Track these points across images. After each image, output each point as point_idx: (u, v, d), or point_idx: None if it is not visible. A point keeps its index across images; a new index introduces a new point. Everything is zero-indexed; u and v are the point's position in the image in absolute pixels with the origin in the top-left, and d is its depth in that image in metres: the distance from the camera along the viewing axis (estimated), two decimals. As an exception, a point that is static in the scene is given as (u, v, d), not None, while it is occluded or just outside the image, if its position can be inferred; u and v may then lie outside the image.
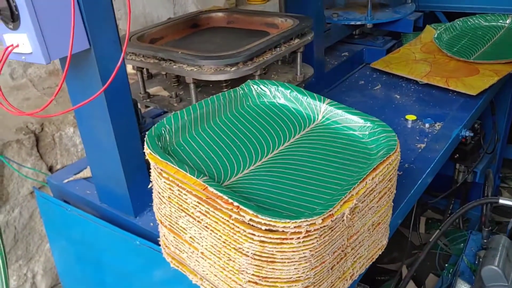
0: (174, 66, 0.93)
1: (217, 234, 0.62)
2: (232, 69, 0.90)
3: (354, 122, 0.78)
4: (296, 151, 0.75)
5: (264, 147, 0.75)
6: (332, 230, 0.61)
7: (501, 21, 1.53)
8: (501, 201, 1.25)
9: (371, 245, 0.73)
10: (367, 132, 0.76)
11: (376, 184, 0.66)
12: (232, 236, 0.61)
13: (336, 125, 0.80)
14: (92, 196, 1.00)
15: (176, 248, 0.71)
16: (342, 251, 0.65)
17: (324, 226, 0.58)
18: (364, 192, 0.64)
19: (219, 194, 0.60)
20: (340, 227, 0.62)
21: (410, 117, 1.21)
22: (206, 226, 0.63)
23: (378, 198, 0.68)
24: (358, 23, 1.45)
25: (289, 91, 0.85)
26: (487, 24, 1.55)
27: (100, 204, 0.98)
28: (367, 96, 1.35)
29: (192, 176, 0.63)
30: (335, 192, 0.64)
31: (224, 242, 0.62)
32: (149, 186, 0.73)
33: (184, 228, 0.68)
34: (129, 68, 1.04)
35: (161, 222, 0.72)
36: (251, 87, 0.86)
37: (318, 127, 0.81)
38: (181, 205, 0.66)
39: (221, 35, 1.14)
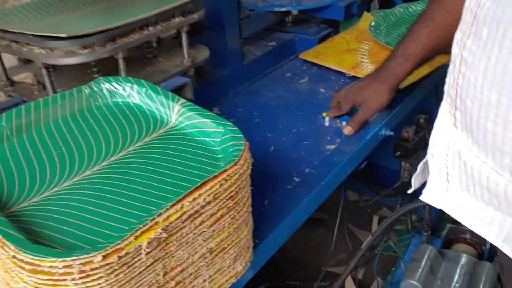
0: (24, 49, 0.81)
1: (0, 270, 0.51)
2: (85, 51, 0.78)
3: (207, 127, 0.66)
4: (133, 160, 0.63)
5: (94, 157, 0.63)
6: (130, 266, 0.49)
7: (442, 7, 1.40)
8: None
9: (216, 274, 0.61)
10: (218, 139, 0.64)
11: (203, 206, 0.54)
12: (10, 274, 0.49)
13: (189, 129, 0.68)
14: None
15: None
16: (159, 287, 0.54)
17: (109, 263, 0.46)
18: (180, 217, 0.52)
19: (-17, 222, 0.48)
20: (145, 262, 0.50)
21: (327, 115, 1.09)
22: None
23: (211, 221, 0.57)
24: (282, 9, 1.32)
25: (144, 89, 0.73)
26: (428, 10, 1.42)
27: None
28: (290, 91, 1.23)
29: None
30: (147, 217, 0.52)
31: (5, 281, 0.51)
32: None
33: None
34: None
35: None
36: (102, 85, 0.74)
37: (170, 131, 0.69)
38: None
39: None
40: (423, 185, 0.71)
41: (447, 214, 0.64)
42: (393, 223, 1.39)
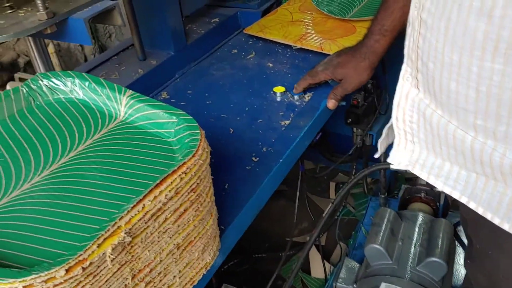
0: None
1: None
2: None
3: (159, 118, 0.63)
4: (85, 160, 0.60)
5: (41, 162, 0.59)
6: (96, 276, 0.47)
7: (381, -29, 1.40)
8: (393, 166, 1.16)
9: (186, 268, 0.60)
10: (172, 130, 0.62)
11: (165, 203, 0.52)
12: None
13: (140, 122, 0.65)
14: None
15: None
16: (129, 291, 0.52)
17: (73, 277, 0.44)
18: (143, 217, 0.50)
19: None
20: (111, 269, 0.48)
21: (279, 89, 1.07)
22: None
23: (175, 217, 0.55)
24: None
25: (88, 83, 0.68)
26: (368, -25, 1.42)
27: None
28: (237, 67, 1.20)
29: None
30: (107, 221, 0.50)
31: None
32: None
33: None
34: None
35: None
36: (40, 82, 0.69)
37: (121, 125, 0.65)
38: None
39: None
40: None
41: (399, 174, 0.66)
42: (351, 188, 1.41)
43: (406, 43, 0.60)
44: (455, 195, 0.62)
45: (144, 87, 1.07)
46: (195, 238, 0.59)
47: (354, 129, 1.61)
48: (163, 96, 1.09)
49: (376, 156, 0.80)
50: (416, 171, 0.66)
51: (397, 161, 0.68)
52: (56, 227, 0.51)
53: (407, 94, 0.62)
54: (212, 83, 1.14)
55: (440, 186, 0.63)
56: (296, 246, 1.63)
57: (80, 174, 0.57)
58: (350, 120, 1.46)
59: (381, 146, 0.76)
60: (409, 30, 0.59)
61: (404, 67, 0.63)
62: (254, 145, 0.91)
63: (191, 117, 0.61)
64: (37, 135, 0.63)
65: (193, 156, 0.55)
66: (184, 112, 0.62)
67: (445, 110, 0.57)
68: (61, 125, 0.65)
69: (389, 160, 0.69)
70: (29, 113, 0.67)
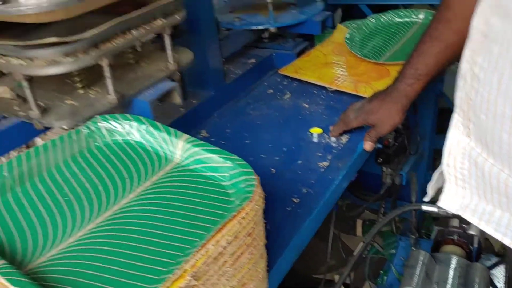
0: (1, 60, 0.76)
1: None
2: (70, 59, 0.74)
3: (214, 162, 0.66)
4: (145, 202, 0.62)
5: (103, 202, 0.62)
6: (161, 317, 0.49)
7: (414, 16, 1.44)
8: (424, 207, 1.16)
9: (237, 310, 0.61)
10: (227, 174, 0.65)
11: (225, 247, 0.54)
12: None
13: (195, 165, 0.68)
14: None
15: None
16: (187, 333, 0.53)
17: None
18: (206, 261, 0.52)
19: (11, 287, 0.47)
20: (175, 310, 0.50)
21: (316, 130, 1.10)
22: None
23: (233, 260, 0.57)
24: (260, 27, 1.33)
25: (144, 126, 0.72)
26: (400, 20, 1.46)
27: None
28: (274, 108, 1.24)
29: (-19, 262, 0.49)
30: (173, 264, 0.52)
31: None
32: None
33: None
34: None
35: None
36: (99, 124, 0.73)
37: (177, 168, 0.68)
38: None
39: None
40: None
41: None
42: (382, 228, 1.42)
43: (458, 94, 0.63)
44: (506, 241, 0.63)
45: (185, 125, 1.10)
46: (248, 280, 0.61)
47: (384, 169, 1.63)
48: (203, 134, 1.12)
49: (426, 199, 0.82)
50: (467, 216, 0.67)
51: (448, 205, 0.70)
52: (123, 267, 0.53)
53: (458, 142, 0.65)
54: (249, 123, 1.17)
55: (491, 232, 0.64)
56: (325, 283, 1.62)
57: (141, 216, 0.60)
58: (381, 159, 1.48)
59: (431, 190, 0.78)
60: (461, 83, 0.61)
61: (455, 116, 0.65)
62: (294, 186, 0.94)
63: (246, 162, 0.64)
64: (97, 175, 0.67)
65: (250, 201, 0.57)
66: (238, 157, 0.65)
67: (497, 159, 0.59)
68: (120, 166, 0.68)
69: (439, 203, 0.72)
70: (89, 154, 0.71)
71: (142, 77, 0.92)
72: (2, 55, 0.77)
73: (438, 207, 0.78)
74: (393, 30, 1.43)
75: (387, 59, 1.32)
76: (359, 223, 1.99)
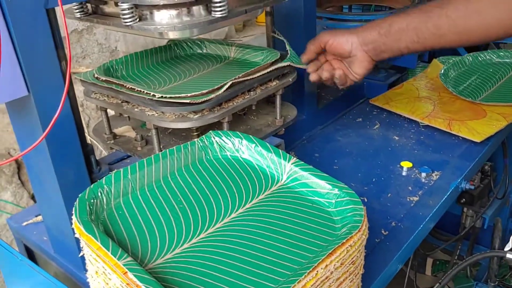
0: (136, 110, 0.85)
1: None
2: (196, 116, 0.81)
3: (320, 187, 0.68)
4: (253, 218, 0.66)
5: (215, 213, 0.66)
6: (270, 331, 0.51)
7: (514, 57, 1.41)
8: (509, 255, 1.13)
9: (331, 334, 0.63)
10: (333, 200, 0.67)
11: (332, 272, 0.56)
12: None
13: (300, 188, 0.71)
14: (47, 244, 0.92)
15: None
16: None
17: (257, 330, 0.49)
18: (314, 283, 0.54)
19: (138, 282, 0.51)
20: (282, 326, 0.53)
21: (406, 164, 1.10)
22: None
23: (335, 286, 0.59)
24: (356, 57, 1.34)
25: (254, 145, 0.76)
26: (499, 60, 1.43)
27: (53, 254, 0.91)
28: (363, 136, 1.25)
29: (113, 257, 0.54)
30: (281, 282, 0.55)
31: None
32: (80, 255, 0.64)
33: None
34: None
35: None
36: (213, 139, 0.78)
37: (282, 189, 0.71)
38: (107, 283, 0.58)
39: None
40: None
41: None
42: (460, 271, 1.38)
43: None
44: None
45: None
46: (344, 307, 0.63)
47: (465, 209, 1.58)
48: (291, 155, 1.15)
49: (507, 248, 0.79)
50: None
51: None
52: (233, 278, 0.56)
53: None
54: (338, 149, 1.19)
55: None
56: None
57: (249, 231, 0.63)
58: (463, 200, 1.44)
59: None
60: None
61: None
62: (383, 218, 0.94)
63: (353, 191, 0.66)
64: (209, 187, 0.71)
65: (359, 231, 0.59)
66: (346, 186, 0.67)
67: None
68: (229, 180, 0.72)
69: None
70: (200, 165, 0.75)
71: (251, 130, 0.98)
72: (135, 104, 0.85)
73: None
74: (491, 70, 1.40)
75: (484, 99, 1.29)
76: (429, 261, 1.93)
